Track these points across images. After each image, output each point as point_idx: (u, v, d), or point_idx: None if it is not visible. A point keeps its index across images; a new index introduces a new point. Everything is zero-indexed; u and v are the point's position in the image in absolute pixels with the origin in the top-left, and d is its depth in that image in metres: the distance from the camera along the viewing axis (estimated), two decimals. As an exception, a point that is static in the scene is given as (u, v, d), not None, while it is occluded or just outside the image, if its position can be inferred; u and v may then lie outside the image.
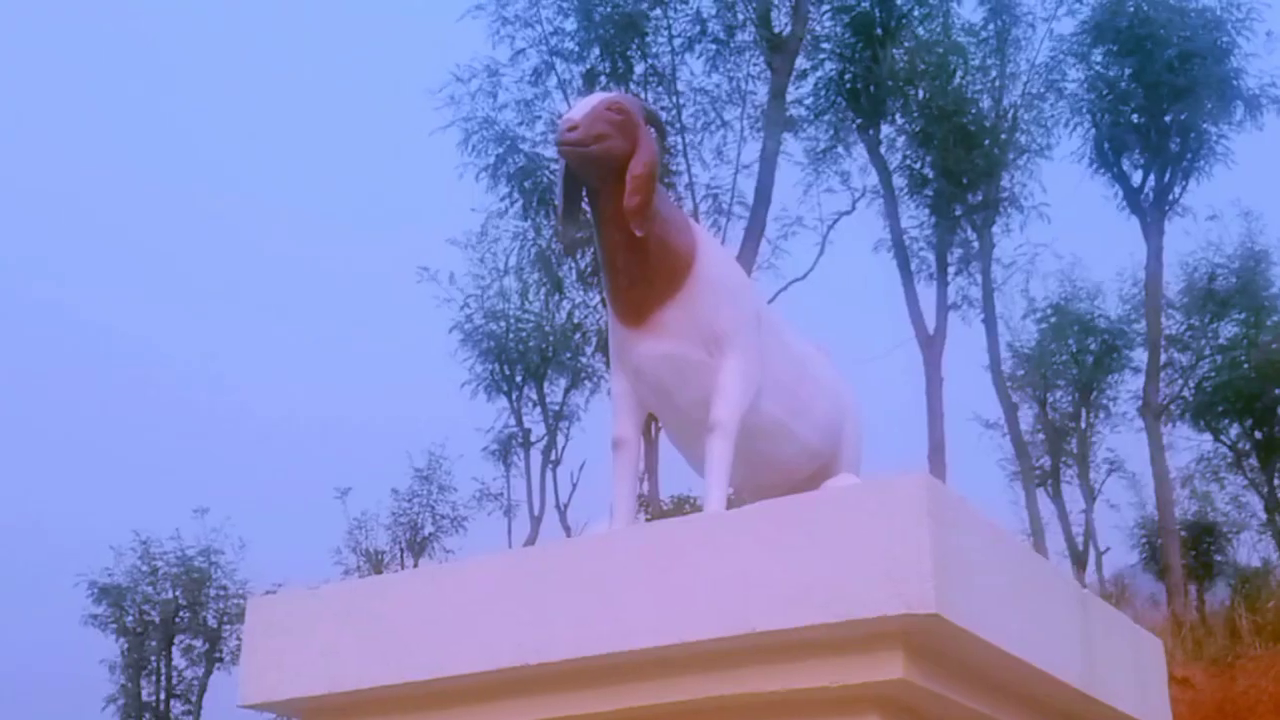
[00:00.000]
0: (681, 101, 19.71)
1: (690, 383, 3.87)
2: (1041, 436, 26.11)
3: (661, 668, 3.21)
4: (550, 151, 19.28)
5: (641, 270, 3.82)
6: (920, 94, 21.48)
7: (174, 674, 21.37)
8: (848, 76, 21.70)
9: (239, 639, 21.74)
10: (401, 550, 21.29)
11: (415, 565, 20.00)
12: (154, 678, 21.13)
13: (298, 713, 3.64)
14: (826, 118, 21.92)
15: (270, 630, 3.56)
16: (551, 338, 20.77)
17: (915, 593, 2.83)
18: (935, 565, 2.84)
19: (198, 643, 21.62)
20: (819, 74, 21.76)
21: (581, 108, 3.83)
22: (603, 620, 3.20)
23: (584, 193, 3.91)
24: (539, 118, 19.70)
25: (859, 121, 21.83)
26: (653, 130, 3.95)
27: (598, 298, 20.19)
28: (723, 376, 3.82)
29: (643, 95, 18.69)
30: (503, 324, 20.80)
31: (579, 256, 19.93)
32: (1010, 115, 22.01)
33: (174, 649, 21.45)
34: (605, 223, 3.85)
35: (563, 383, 21.42)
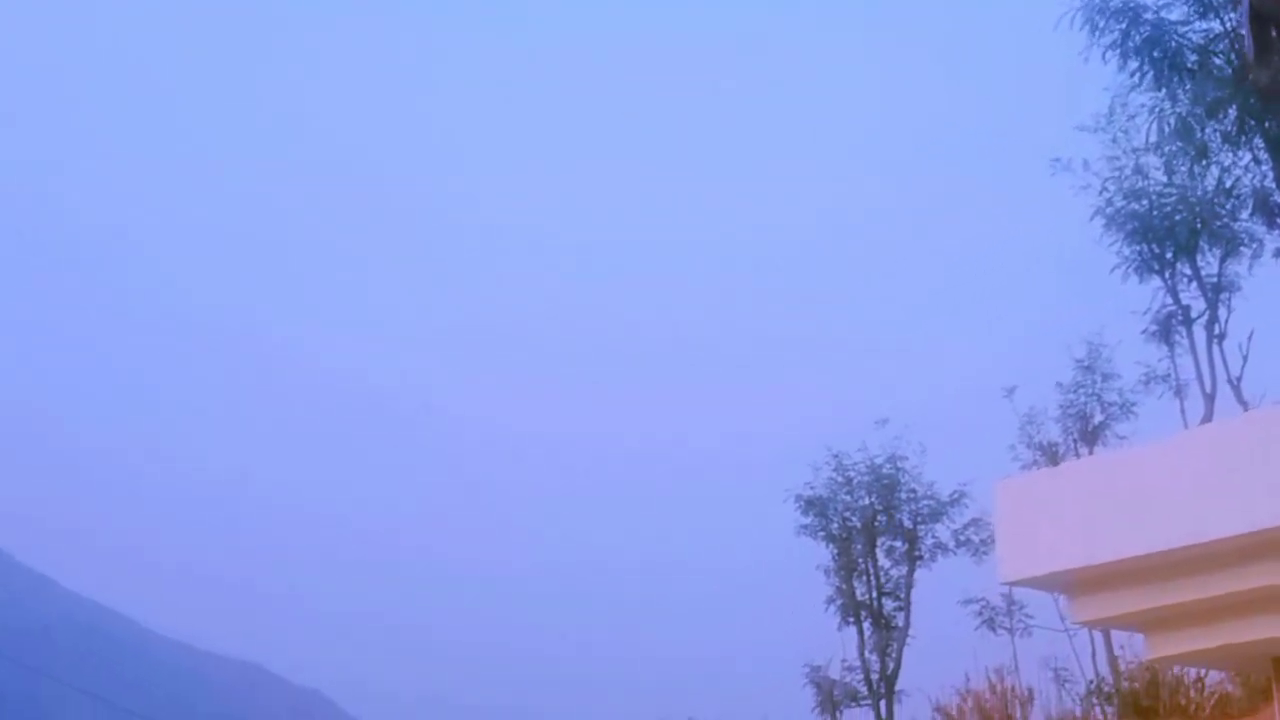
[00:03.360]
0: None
1: None
2: None
3: None
4: (1175, 14, 18.27)
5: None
6: None
7: (880, 574, 22.69)
8: None
9: (934, 538, 22.77)
10: (1075, 441, 21.10)
11: (1090, 454, 19.79)
12: (864, 578, 22.59)
13: (1058, 587, 3.84)
14: None
15: (1021, 511, 3.76)
16: (1198, 208, 19.69)
17: None
18: None
19: (898, 544, 22.81)
20: None
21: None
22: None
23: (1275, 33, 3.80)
24: (1160, -19, 18.67)
25: None
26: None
27: (1248, 157, 18.90)
28: None
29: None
30: (1144, 202, 19.94)
31: (1221, 118, 18.72)
32: None
33: (878, 551, 22.78)
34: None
35: (1217, 253, 20.29)
